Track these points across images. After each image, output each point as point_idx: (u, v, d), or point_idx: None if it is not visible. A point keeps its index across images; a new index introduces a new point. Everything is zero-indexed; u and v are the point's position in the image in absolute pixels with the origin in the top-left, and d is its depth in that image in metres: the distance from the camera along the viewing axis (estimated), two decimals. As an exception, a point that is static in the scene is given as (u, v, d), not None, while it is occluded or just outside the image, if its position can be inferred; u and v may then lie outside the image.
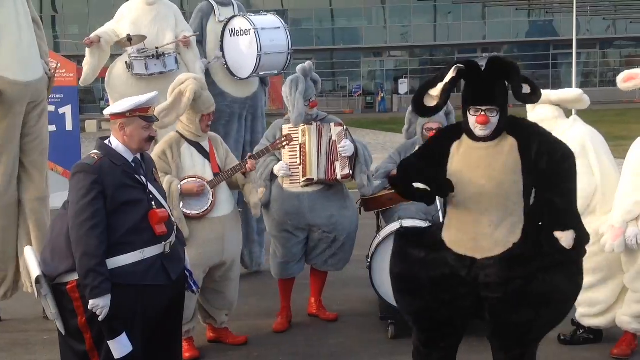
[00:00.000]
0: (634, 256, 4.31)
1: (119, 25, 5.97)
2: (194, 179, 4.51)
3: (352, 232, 5.20)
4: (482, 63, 3.36)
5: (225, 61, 6.15)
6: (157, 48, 5.84)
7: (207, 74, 6.11)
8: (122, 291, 3.25)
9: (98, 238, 3.22)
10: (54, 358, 3.96)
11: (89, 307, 3.22)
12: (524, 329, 3.37)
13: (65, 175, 8.57)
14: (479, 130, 3.36)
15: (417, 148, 4.36)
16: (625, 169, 4.37)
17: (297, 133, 5.01)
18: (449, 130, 3.70)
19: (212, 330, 4.96)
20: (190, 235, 4.43)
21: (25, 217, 5.26)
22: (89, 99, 33.69)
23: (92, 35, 5.86)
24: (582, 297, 4.26)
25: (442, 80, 3.38)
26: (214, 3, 6.28)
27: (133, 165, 3.44)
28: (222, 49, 6.14)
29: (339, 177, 5.00)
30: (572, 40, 14.97)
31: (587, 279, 4.15)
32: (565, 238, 3.31)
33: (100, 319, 3.23)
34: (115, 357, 3.28)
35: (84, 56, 5.90)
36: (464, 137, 3.45)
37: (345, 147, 4.99)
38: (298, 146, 5.01)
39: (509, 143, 3.37)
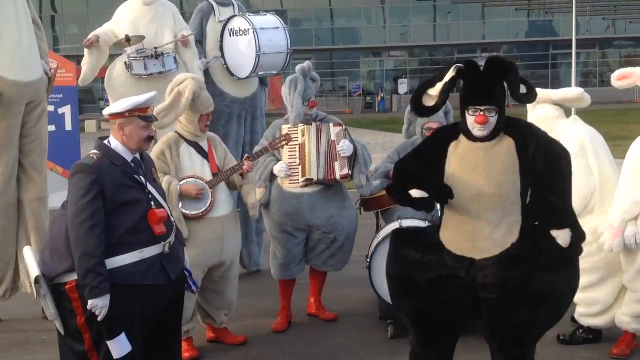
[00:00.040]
0: (632, 256, 4.31)
1: (118, 25, 5.97)
2: (193, 179, 4.50)
3: (351, 232, 5.20)
4: (481, 63, 3.36)
5: (225, 61, 6.15)
6: (155, 48, 5.85)
7: (207, 73, 6.11)
8: (121, 291, 3.25)
9: (97, 238, 3.21)
10: (53, 358, 3.97)
11: (88, 307, 3.22)
12: (522, 329, 3.37)
13: (65, 175, 8.55)
14: (477, 130, 3.35)
15: (415, 148, 4.35)
16: (624, 168, 4.38)
17: (297, 133, 5.02)
18: (446, 131, 3.68)
19: (211, 330, 4.97)
20: (189, 235, 4.43)
21: (25, 217, 5.25)
22: (89, 99, 33.63)
23: (90, 35, 5.87)
24: (580, 296, 4.28)
25: (440, 80, 3.37)
26: (213, 3, 6.28)
27: (132, 165, 3.44)
28: (221, 48, 6.14)
29: (337, 177, 5.00)
30: (571, 40, 14.92)
31: (585, 279, 4.17)
32: (561, 237, 3.31)
33: (99, 319, 3.23)
34: (114, 357, 3.28)
35: (82, 56, 5.91)
36: (462, 137, 3.44)
37: (344, 147, 4.98)
38: (297, 146, 5.01)
39: (507, 143, 3.36)
